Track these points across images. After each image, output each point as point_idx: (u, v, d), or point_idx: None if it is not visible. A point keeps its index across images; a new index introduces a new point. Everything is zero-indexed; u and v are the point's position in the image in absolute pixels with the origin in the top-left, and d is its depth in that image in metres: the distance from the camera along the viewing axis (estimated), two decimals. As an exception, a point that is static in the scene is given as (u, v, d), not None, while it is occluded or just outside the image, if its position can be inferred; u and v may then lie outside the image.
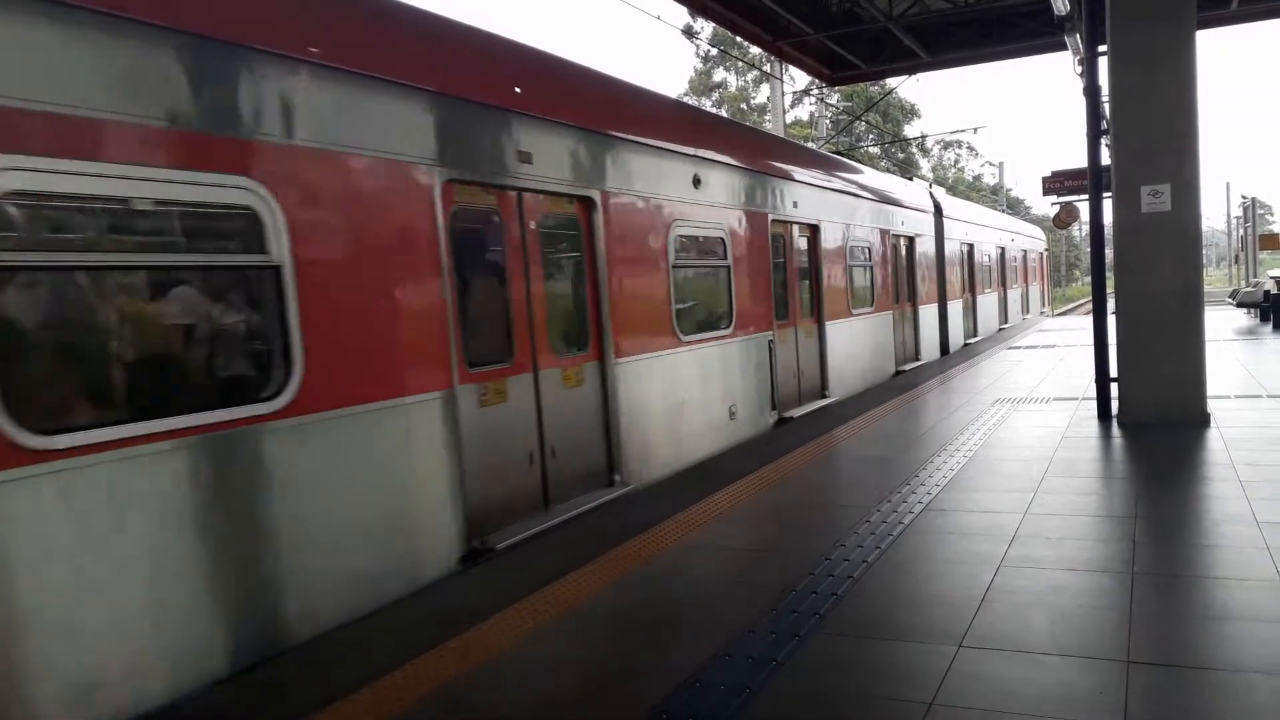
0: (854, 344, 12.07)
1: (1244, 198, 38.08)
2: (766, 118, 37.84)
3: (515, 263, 5.91)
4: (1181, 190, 7.70)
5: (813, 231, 10.88)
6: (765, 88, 37.89)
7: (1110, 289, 8.50)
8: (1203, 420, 7.70)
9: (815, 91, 31.44)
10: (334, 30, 4.74)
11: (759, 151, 9.82)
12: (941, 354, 16.45)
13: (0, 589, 3.08)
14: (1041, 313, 29.91)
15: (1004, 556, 4.51)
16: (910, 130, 46.01)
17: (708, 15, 14.90)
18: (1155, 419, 7.82)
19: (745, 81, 43.85)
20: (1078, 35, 10.04)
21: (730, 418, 8.57)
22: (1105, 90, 8.20)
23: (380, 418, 4.66)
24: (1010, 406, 9.33)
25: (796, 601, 4.06)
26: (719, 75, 44.77)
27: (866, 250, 12.63)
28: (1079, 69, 9.02)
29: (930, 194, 17.20)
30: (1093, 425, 8.02)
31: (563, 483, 6.21)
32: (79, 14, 3.40)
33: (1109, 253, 8.65)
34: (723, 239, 8.55)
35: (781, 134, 21.40)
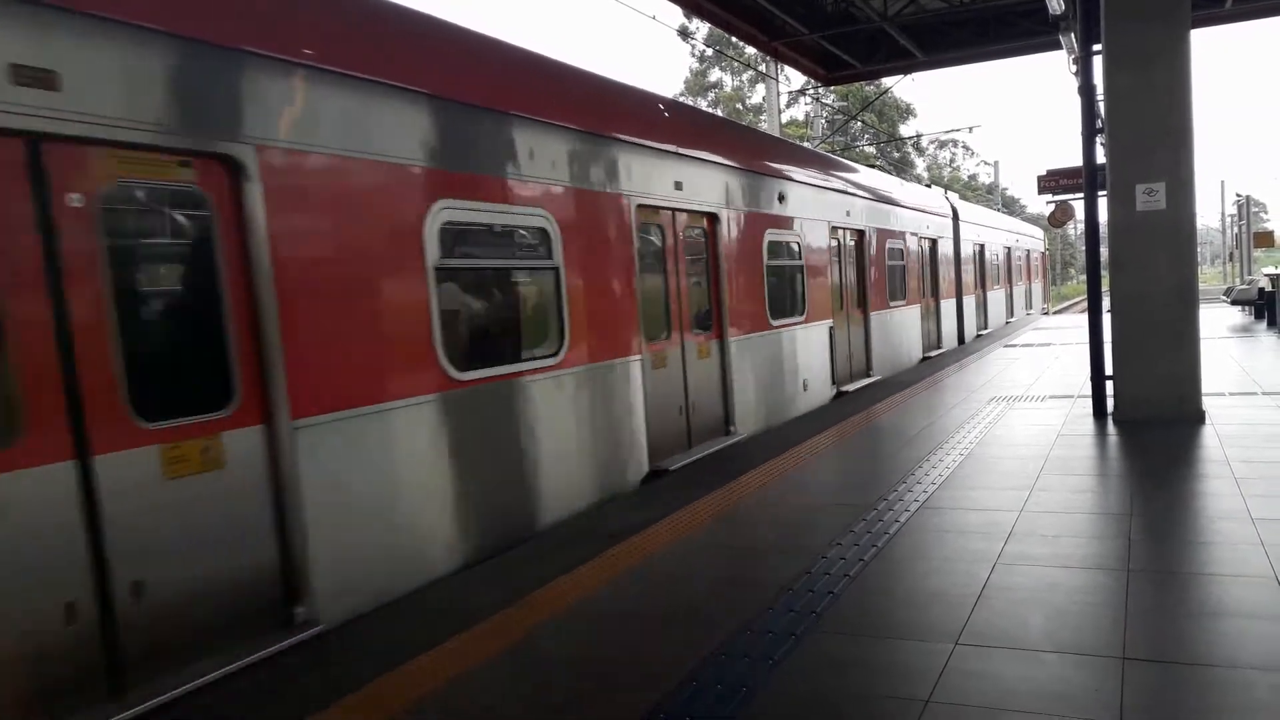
0: (891, 332, 14.00)
1: (1238, 195, 38.11)
2: (762, 118, 37.86)
3: (670, 263, 7.79)
4: (1176, 188, 7.72)
5: (860, 236, 12.71)
6: (761, 88, 37.90)
7: (1105, 287, 8.53)
8: (1198, 417, 7.72)
9: (811, 91, 31.43)
10: (595, 106, 6.92)
11: (824, 170, 11.87)
12: (959, 343, 18.25)
13: (452, 451, 5.24)
14: (1043, 309, 31.55)
15: (1000, 554, 4.52)
16: (906, 129, 46.03)
17: (703, 15, 14.91)
18: (1150, 416, 7.84)
19: (741, 81, 43.83)
20: (1073, 34, 10.07)
21: (803, 389, 10.36)
22: (1100, 89, 8.22)
23: (602, 373, 6.63)
24: (1006, 404, 9.35)
25: (793, 600, 4.07)
26: (714, 75, 44.78)
27: (901, 251, 14.46)
28: (1074, 68, 9.06)
29: (948, 199, 19.10)
30: (1088, 423, 8.04)
31: (698, 428, 8.10)
32: (490, 113, 5.59)
33: (1104, 251, 8.67)
34: (798, 243, 10.46)
35: (777, 134, 21.61)
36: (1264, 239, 35.63)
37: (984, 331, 20.54)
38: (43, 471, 3.30)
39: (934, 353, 15.98)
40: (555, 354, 6.15)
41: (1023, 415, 8.67)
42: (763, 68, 24.14)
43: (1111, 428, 7.79)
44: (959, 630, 3.61)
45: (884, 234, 13.47)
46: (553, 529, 5.85)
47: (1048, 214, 28.31)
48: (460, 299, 5.53)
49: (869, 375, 12.68)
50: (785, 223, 10.04)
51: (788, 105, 39.38)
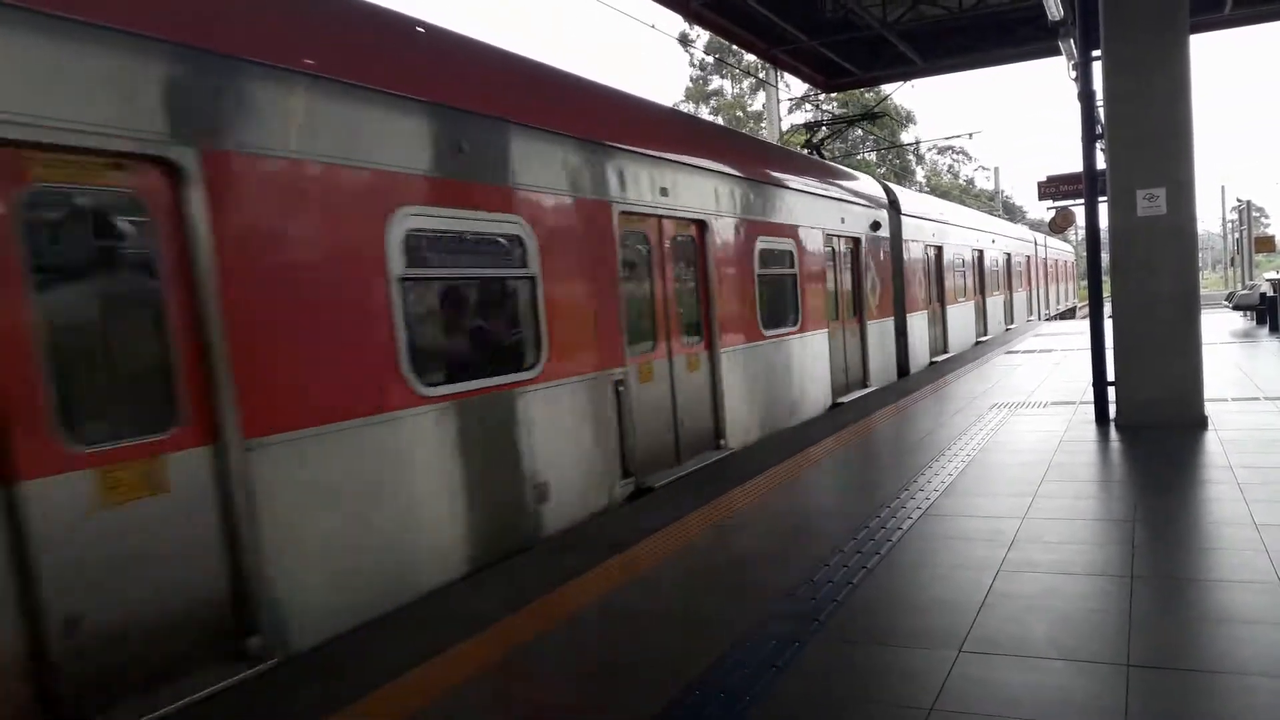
0: (1015, 305, 24.61)
1: (1239, 200, 38.13)
2: (763, 125, 37.90)
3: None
4: (1176, 193, 7.72)
5: (1008, 256, 23.33)
6: (762, 95, 37.95)
7: (1107, 292, 8.53)
8: (1200, 423, 7.71)
9: (812, 99, 31.48)
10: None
11: (1011, 229, 21.45)
12: (1040, 319, 28.40)
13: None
14: (1074, 303, 40.85)
15: (1003, 561, 4.51)
16: (906, 136, 46.11)
17: (702, 23, 14.94)
18: (1153, 422, 7.83)
19: (741, 89, 43.95)
20: (1072, 40, 10.09)
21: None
22: (1100, 94, 8.23)
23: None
24: (1008, 411, 9.34)
25: (796, 607, 4.06)
26: (715, 83, 44.89)
27: (1022, 262, 26.10)
28: (1073, 74, 9.07)
29: (1033, 233, 31.51)
30: (1090, 429, 8.02)
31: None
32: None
33: (1105, 256, 8.67)
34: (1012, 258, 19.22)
35: (776, 141, 22.00)
36: (1265, 244, 35.68)
37: (1047, 313, 30.56)
38: None
39: (1032, 318, 26.93)
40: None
41: (1025, 422, 8.66)
42: (763, 75, 24.21)
43: (1114, 434, 7.78)
44: (963, 637, 3.60)
45: (1018, 254, 25.30)
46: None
47: (1048, 220, 28.57)
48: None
49: (1013, 323, 23.47)
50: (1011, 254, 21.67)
51: (790, 111, 39.47)
